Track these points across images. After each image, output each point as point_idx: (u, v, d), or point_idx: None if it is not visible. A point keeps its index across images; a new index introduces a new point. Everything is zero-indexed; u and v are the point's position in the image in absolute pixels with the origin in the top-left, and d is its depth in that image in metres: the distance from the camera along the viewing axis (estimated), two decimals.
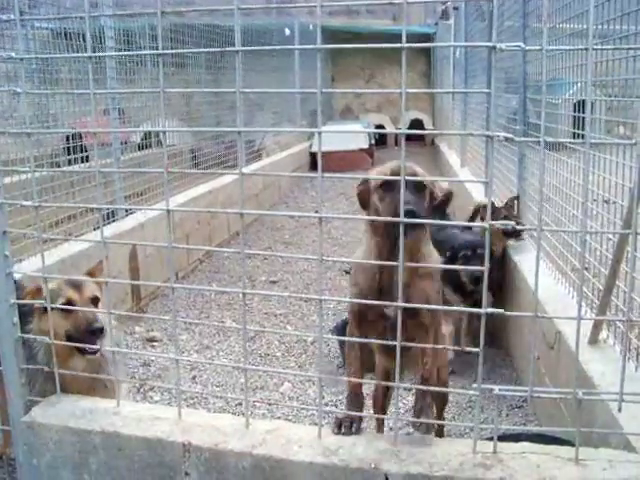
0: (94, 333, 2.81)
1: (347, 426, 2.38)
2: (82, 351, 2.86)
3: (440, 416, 3.39)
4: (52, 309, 2.66)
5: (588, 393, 2.17)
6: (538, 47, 1.90)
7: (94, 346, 2.83)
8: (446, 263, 4.00)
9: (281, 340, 5.33)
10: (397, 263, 2.10)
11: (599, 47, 2.38)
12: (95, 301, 2.98)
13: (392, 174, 2.35)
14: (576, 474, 2.04)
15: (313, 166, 14.39)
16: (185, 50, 7.53)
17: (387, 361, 2.80)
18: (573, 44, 3.77)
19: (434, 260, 2.62)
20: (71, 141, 5.92)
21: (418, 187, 2.39)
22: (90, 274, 3.11)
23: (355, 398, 2.54)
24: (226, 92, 9.34)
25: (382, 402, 3.36)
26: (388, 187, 2.39)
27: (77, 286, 2.94)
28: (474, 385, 2.14)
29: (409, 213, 2.11)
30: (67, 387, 2.78)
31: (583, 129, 3.88)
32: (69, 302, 2.87)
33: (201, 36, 8.57)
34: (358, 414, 2.45)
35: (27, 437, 2.61)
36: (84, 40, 5.85)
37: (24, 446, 2.62)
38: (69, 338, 2.83)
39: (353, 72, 20.77)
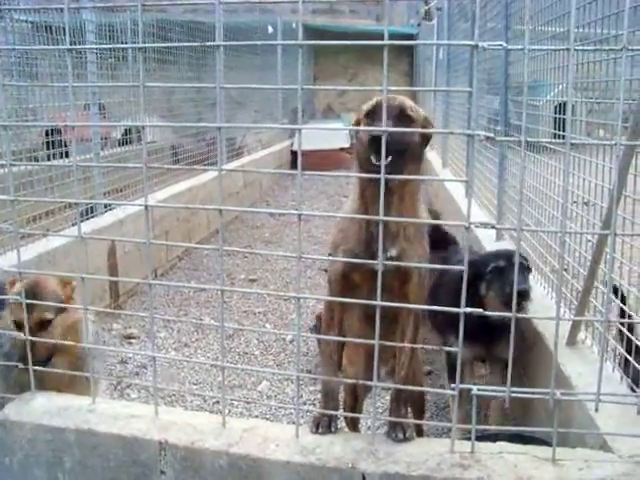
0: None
1: (325, 425, 2.37)
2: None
3: (419, 424, 3.36)
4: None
5: (566, 394, 2.18)
6: (520, 47, 1.89)
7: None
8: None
9: (260, 338, 5.31)
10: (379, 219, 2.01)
11: (581, 48, 2.38)
12: (43, 325, 2.79)
13: (377, 105, 2.27)
14: (553, 474, 2.05)
15: (294, 165, 14.30)
16: (166, 44, 7.48)
17: (370, 331, 2.66)
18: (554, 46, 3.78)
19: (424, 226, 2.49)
20: (50, 136, 5.87)
21: (402, 118, 2.28)
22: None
23: (332, 395, 2.52)
24: (208, 89, 9.27)
25: (354, 399, 3.27)
26: (372, 117, 2.30)
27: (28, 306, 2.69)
28: (452, 385, 2.14)
29: (391, 142, 2.02)
30: (46, 382, 2.74)
31: (564, 131, 3.92)
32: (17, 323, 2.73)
33: (183, 32, 8.52)
34: (335, 412, 2.44)
35: None
36: (65, 34, 5.79)
37: None
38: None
39: (336, 71, 20.75)
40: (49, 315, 2.78)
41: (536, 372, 3.42)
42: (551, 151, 4.11)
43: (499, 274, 3.41)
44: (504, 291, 3.32)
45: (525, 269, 3.43)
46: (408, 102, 2.33)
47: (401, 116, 2.27)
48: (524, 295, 3.17)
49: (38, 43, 5.86)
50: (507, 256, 3.47)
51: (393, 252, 2.31)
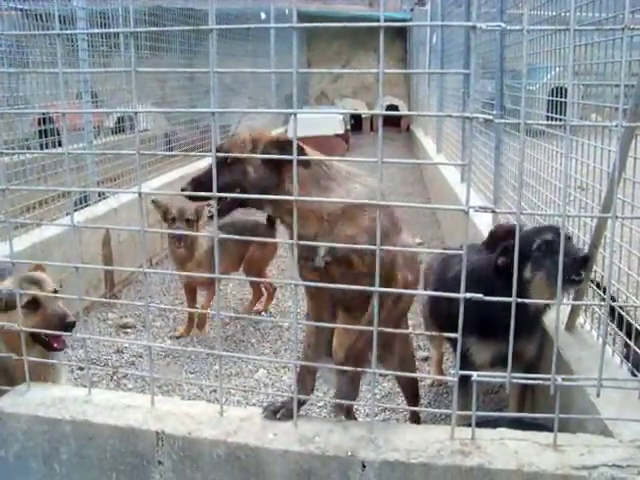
0: (67, 328, 2.77)
1: (286, 413, 2.36)
2: (48, 346, 2.81)
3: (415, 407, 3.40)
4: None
5: (567, 379, 2.16)
6: (519, 27, 1.86)
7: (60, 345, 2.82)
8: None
9: (256, 326, 5.29)
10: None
11: (581, 28, 2.35)
12: (55, 293, 2.94)
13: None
14: (554, 460, 2.03)
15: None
16: (158, 28, 7.39)
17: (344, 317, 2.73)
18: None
19: (339, 194, 2.45)
20: (43, 125, 5.81)
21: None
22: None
23: (308, 378, 2.56)
24: (200, 77, 9.21)
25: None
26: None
27: (37, 282, 2.87)
28: (452, 371, 2.12)
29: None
30: (16, 372, 2.73)
31: (560, 114, 3.89)
32: (34, 299, 2.82)
33: (175, 20, 8.43)
34: (304, 397, 2.49)
35: None
36: (54, 22, 5.74)
37: None
38: (34, 334, 2.77)
39: (329, 57, 20.68)
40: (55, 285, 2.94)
41: (539, 358, 3.40)
42: (547, 135, 4.08)
43: (548, 249, 2.92)
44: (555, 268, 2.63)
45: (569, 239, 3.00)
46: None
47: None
48: (587, 262, 2.82)
49: (28, 31, 5.80)
50: (552, 230, 3.04)
51: (321, 251, 2.39)
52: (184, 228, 4.73)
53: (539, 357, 3.18)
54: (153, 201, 4.87)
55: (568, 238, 2.90)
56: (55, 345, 2.82)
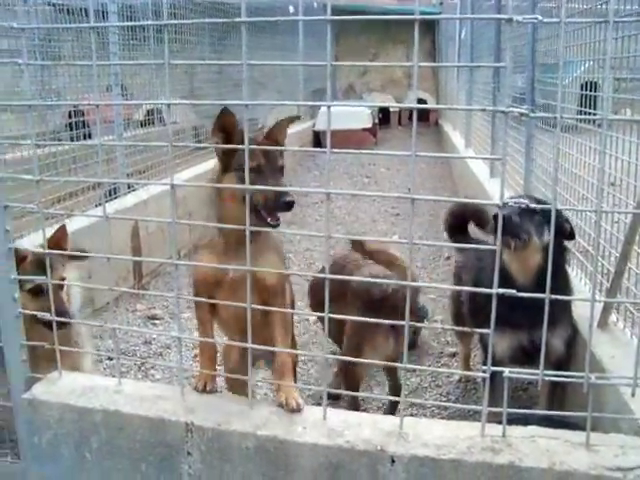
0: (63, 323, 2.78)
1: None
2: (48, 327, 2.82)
3: (394, 406, 3.64)
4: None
5: (600, 377, 2.13)
6: (556, 20, 1.83)
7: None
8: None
9: None
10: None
11: (620, 19, 2.31)
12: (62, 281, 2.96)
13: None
14: (587, 459, 2.01)
15: (316, 145, 14.28)
16: (189, 21, 7.40)
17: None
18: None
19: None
20: (74, 117, 5.86)
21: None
22: (54, 243, 2.99)
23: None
24: (231, 69, 9.22)
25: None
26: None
27: (44, 268, 2.78)
28: (483, 367, 2.10)
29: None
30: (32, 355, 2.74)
31: (591, 109, 3.84)
32: (38, 287, 2.86)
33: (204, 13, 8.45)
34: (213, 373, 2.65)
35: (28, 415, 2.57)
36: (86, 15, 5.77)
37: (25, 423, 2.59)
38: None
39: (357, 51, 20.58)
40: (64, 272, 2.96)
41: (567, 355, 3.37)
42: (578, 129, 4.03)
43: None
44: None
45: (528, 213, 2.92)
46: None
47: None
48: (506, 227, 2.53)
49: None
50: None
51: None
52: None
53: (569, 354, 3.14)
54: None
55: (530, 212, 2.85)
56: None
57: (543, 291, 1.95)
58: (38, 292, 2.88)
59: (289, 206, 2.39)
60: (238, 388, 3.08)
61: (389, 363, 3.22)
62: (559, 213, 2.85)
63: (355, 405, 3.71)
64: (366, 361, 3.25)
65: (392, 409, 3.74)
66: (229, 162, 2.40)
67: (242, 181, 2.28)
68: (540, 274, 2.88)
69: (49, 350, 2.74)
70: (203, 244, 2.61)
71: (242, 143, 2.19)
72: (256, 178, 2.34)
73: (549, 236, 2.87)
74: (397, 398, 3.11)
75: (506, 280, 2.38)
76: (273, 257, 2.61)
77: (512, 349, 3.12)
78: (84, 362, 3.15)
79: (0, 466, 3.03)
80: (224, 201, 2.40)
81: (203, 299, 2.63)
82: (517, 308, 2.75)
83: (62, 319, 2.73)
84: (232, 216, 2.39)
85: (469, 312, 3.73)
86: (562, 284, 3.04)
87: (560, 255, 3.09)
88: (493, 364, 2.31)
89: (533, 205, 2.72)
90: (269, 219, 2.44)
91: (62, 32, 5.95)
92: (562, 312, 3.07)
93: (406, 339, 2.12)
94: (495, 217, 2.40)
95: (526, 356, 3.12)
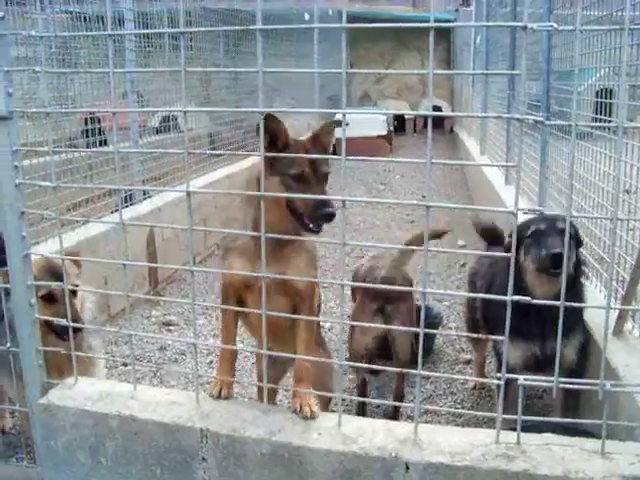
0: (74, 330, 2.75)
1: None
2: (59, 336, 2.84)
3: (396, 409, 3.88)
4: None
5: (616, 385, 2.12)
6: (571, 27, 1.83)
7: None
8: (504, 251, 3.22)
9: None
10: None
11: (636, 27, 2.30)
12: (74, 291, 2.95)
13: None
14: (602, 467, 1.99)
15: (332, 152, 14.27)
16: (205, 28, 7.45)
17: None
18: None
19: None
20: (90, 124, 5.91)
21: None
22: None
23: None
24: (245, 76, 9.26)
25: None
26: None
27: (58, 275, 2.82)
28: (498, 374, 2.10)
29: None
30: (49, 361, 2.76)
31: (606, 116, 3.83)
32: (50, 293, 2.88)
33: (219, 20, 8.51)
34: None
35: (44, 419, 2.59)
36: (103, 23, 5.83)
37: (41, 428, 2.61)
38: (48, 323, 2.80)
39: (372, 59, 20.62)
40: (76, 280, 2.93)
41: (580, 362, 3.35)
42: (593, 137, 4.02)
43: (536, 238, 3.04)
44: (539, 255, 2.97)
45: (562, 233, 2.79)
46: None
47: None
48: (556, 260, 2.82)
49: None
50: (547, 219, 3.07)
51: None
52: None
53: (582, 362, 3.14)
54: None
55: (561, 231, 2.80)
56: (64, 337, 2.81)
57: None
58: (50, 299, 2.89)
59: (329, 218, 2.33)
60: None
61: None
62: (571, 223, 2.87)
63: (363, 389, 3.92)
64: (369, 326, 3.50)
65: (395, 412, 3.90)
66: (274, 165, 2.38)
67: (286, 186, 2.31)
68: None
69: (60, 361, 2.76)
70: (234, 246, 2.58)
71: (287, 146, 2.20)
72: (300, 186, 2.34)
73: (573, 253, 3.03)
74: (412, 405, 3.11)
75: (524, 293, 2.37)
76: (305, 260, 2.57)
77: (524, 358, 3.14)
78: (96, 374, 3.16)
79: (16, 470, 3.07)
80: (266, 204, 2.35)
81: (228, 306, 2.63)
82: (531, 318, 2.89)
83: (77, 325, 2.75)
84: (272, 220, 2.35)
85: (483, 318, 3.76)
86: (577, 296, 3.05)
87: (578, 267, 3.12)
88: (506, 371, 2.36)
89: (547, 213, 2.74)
90: (311, 225, 2.40)
91: (79, 40, 6.01)
92: (575, 321, 3.08)
93: (421, 346, 2.12)
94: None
95: (538, 365, 3.14)
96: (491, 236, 4.03)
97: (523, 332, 3.00)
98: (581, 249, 3.23)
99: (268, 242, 2.29)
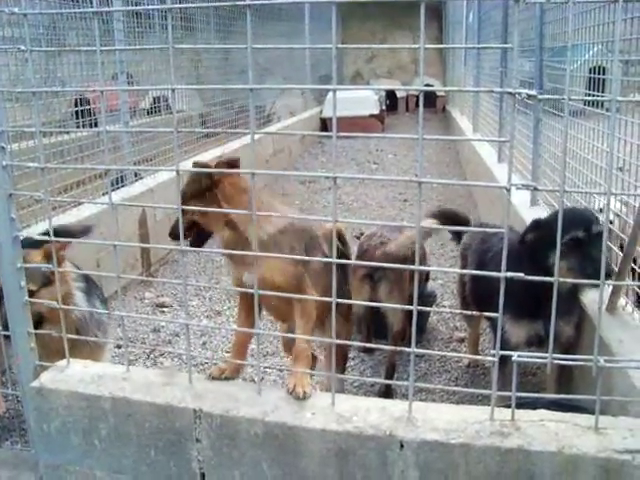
0: None
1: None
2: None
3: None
4: None
5: (609, 360, 2.11)
6: (564, 0, 1.81)
7: None
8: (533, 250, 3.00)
9: None
10: None
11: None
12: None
13: None
14: (596, 442, 1.99)
15: (323, 131, 14.28)
16: (193, 5, 7.38)
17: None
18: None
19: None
20: (80, 105, 5.86)
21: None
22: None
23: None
24: (235, 56, 9.21)
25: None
26: None
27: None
28: (492, 351, 2.09)
29: None
30: (48, 347, 2.76)
31: (599, 92, 3.81)
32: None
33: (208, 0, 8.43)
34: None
35: (37, 402, 2.58)
36: (91, 3, 5.76)
37: (34, 411, 2.59)
38: None
39: (364, 37, 20.52)
40: (32, 287, 2.78)
41: (576, 339, 3.36)
42: (586, 114, 4.01)
43: (578, 246, 2.84)
44: (584, 269, 2.80)
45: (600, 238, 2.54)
46: None
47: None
48: (609, 275, 2.72)
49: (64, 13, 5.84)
50: (585, 223, 2.89)
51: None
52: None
53: (576, 338, 3.16)
54: None
55: (598, 234, 2.74)
56: None
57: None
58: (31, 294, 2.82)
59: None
60: None
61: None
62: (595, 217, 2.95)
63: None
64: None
65: (387, 389, 3.97)
66: None
67: None
68: None
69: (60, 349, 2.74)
70: None
71: None
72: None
73: None
74: (406, 384, 3.11)
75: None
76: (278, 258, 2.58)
77: (528, 337, 3.15)
78: (103, 359, 3.16)
79: (11, 454, 3.06)
80: None
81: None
82: (537, 299, 2.76)
83: (70, 307, 2.73)
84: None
85: (471, 294, 3.83)
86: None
87: None
88: (508, 349, 2.63)
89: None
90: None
91: (66, 20, 5.93)
92: (575, 300, 3.09)
93: (414, 324, 2.11)
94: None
95: (540, 342, 3.12)
96: (453, 221, 4.14)
97: (529, 312, 3.02)
98: None
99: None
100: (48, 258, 2.74)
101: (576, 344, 3.14)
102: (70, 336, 2.68)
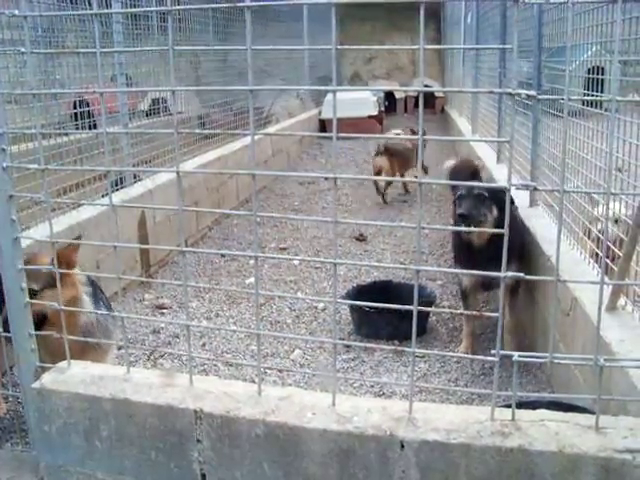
0: None
1: None
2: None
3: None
4: None
5: (610, 360, 2.12)
6: (563, 0, 1.82)
7: None
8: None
9: (292, 307, 5.30)
10: None
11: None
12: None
13: None
14: (596, 442, 2.00)
15: (323, 133, 14.29)
16: (193, 6, 7.40)
17: None
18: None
19: None
20: (79, 107, 5.86)
21: None
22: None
23: None
24: (234, 58, 9.21)
25: None
26: None
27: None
28: (493, 351, 2.09)
29: None
30: (55, 350, 2.75)
31: (598, 92, 3.82)
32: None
33: (207, 1, 8.43)
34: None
35: (37, 404, 2.58)
36: (90, 5, 5.76)
37: (35, 412, 2.60)
38: None
39: (363, 39, 20.50)
40: (34, 286, 2.80)
41: (574, 339, 3.37)
42: (585, 114, 4.02)
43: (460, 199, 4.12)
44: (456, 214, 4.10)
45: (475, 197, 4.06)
46: None
47: None
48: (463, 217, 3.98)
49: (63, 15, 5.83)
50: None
51: None
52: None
53: (518, 282, 4.20)
54: None
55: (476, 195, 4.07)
56: None
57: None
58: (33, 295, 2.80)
59: None
60: None
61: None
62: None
63: None
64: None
65: None
66: None
67: None
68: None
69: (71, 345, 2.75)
70: None
71: None
72: None
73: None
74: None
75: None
76: None
77: (473, 282, 4.30)
78: (107, 361, 3.17)
79: (11, 455, 3.06)
80: None
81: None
82: (474, 252, 4.10)
83: (72, 309, 2.73)
84: None
85: (453, 246, 4.73)
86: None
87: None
88: (464, 291, 4.44)
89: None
90: None
91: (66, 23, 5.93)
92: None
93: (414, 325, 2.12)
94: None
95: (484, 286, 4.39)
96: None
97: (468, 260, 4.16)
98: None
99: None
100: (60, 261, 2.74)
101: (518, 286, 4.30)
102: (72, 337, 2.68)
